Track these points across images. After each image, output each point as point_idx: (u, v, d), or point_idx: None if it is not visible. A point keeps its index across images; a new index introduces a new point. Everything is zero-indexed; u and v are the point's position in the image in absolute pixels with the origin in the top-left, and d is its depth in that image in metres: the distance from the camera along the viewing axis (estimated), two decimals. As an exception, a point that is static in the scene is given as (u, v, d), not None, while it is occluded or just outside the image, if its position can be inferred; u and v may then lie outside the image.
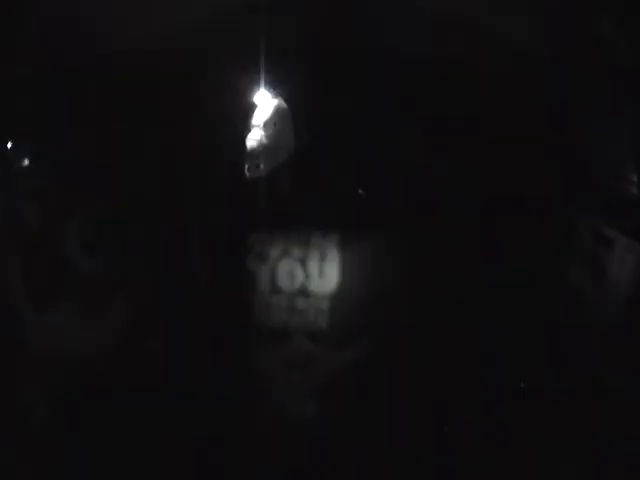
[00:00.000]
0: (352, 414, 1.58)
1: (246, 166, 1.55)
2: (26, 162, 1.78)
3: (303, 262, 1.55)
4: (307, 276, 1.55)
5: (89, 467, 1.68)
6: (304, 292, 1.54)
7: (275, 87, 1.66)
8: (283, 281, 1.56)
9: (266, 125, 1.59)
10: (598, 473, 1.50)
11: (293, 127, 1.61)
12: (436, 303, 1.85)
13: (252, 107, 1.59)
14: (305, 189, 1.55)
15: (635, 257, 1.50)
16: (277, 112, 1.66)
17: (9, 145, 1.73)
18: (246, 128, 1.57)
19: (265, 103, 1.60)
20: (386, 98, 1.83)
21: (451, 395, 1.92)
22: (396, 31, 1.67)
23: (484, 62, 1.71)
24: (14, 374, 1.70)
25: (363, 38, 1.73)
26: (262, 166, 1.55)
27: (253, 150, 1.55)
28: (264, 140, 1.56)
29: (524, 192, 1.89)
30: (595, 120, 1.71)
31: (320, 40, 1.74)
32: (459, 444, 1.82)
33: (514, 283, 1.91)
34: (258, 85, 1.62)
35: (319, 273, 1.55)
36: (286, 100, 1.67)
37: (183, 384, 1.83)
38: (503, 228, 1.90)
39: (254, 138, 1.55)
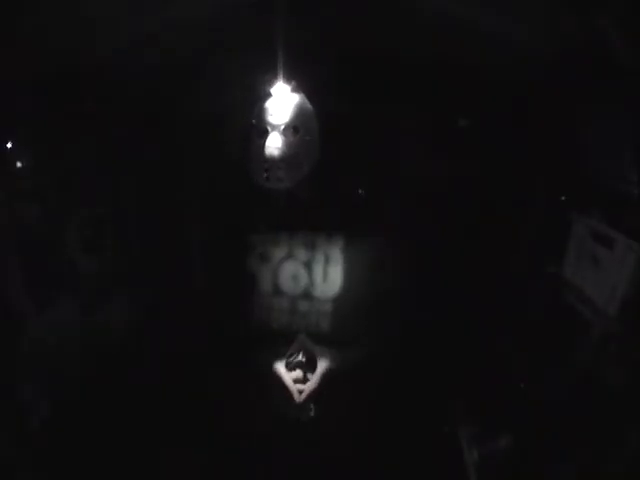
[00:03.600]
0: (353, 414, 1.59)
1: (265, 175, 1.49)
2: (26, 162, 1.77)
3: (307, 265, 1.55)
4: (311, 279, 1.54)
5: (88, 466, 1.68)
6: (307, 295, 1.54)
7: (298, 88, 1.58)
8: (287, 283, 1.55)
9: (286, 130, 1.51)
10: (598, 473, 1.50)
11: (318, 133, 1.53)
12: (437, 304, 1.85)
13: (271, 108, 1.51)
14: (313, 192, 1.53)
15: (635, 257, 1.50)
16: (300, 116, 1.55)
17: (9, 145, 1.72)
18: (264, 131, 1.50)
19: (286, 105, 1.51)
20: (395, 101, 1.82)
21: (451, 395, 1.93)
22: (402, 33, 1.67)
23: (485, 63, 1.71)
24: (14, 373, 1.69)
25: (378, 40, 1.71)
26: (284, 178, 1.48)
27: (273, 158, 1.48)
28: (285, 148, 1.48)
29: (524, 192, 1.89)
30: (595, 121, 1.71)
31: (340, 41, 1.71)
32: (459, 443, 1.82)
33: (514, 282, 1.91)
34: (278, 85, 1.55)
35: (323, 276, 1.54)
36: (311, 102, 1.57)
37: (183, 384, 1.83)
38: (503, 228, 1.90)
39: (274, 145, 1.48)
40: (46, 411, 1.74)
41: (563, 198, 1.81)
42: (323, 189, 1.54)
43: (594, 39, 1.54)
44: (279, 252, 1.55)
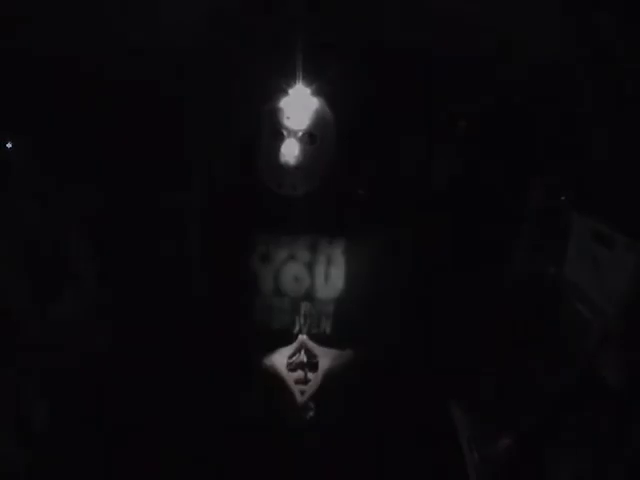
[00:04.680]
0: (354, 414, 1.59)
1: (278, 181, 1.45)
2: (27, 162, 1.76)
3: (309, 266, 1.54)
4: (313, 280, 1.54)
5: (89, 467, 1.68)
6: (309, 296, 1.54)
7: (319, 92, 1.52)
8: (288, 285, 1.54)
9: (304, 137, 1.45)
10: (598, 473, 1.51)
11: (336, 140, 1.48)
12: (438, 304, 1.85)
13: (288, 111, 1.45)
14: (315, 194, 1.52)
15: (635, 257, 1.50)
16: (319, 124, 1.49)
17: (9, 145, 1.72)
18: (278, 134, 1.44)
19: (305, 110, 1.45)
20: (397, 101, 1.82)
21: (451, 395, 1.93)
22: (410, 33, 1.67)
23: (486, 63, 1.71)
24: (15, 372, 1.69)
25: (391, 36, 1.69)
26: (298, 186, 1.44)
27: (288, 166, 1.42)
28: (301, 157, 1.42)
29: (525, 192, 1.89)
30: (595, 121, 1.71)
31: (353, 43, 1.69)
32: (459, 444, 1.83)
33: (514, 282, 1.92)
34: (297, 87, 1.49)
35: (325, 277, 1.54)
36: (330, 108, 1.50)
37: (184, 384, 1.83)
38: (503, 228, 1.90)
39: (291, 154, 1.42)
40: (46, 411, 1.74)
41: (563, 198, 1.82)
42: (326, 190, 1.53)
43: (595, 39, 1.55)
44: (281, 253, 1.54)
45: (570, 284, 1.75)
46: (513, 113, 1.83)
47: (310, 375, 1.47)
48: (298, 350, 1.50)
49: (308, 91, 1.49)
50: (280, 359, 1.47)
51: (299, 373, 1.48)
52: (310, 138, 1.46)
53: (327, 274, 1.54)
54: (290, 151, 1.43)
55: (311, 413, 1.48)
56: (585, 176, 1.72)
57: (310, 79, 1.48)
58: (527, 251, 1.91)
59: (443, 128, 1.89)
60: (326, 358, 1.48)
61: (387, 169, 1.87)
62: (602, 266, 1.62)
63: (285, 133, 1.45)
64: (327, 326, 1.55)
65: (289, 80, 1.48)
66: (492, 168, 1.88)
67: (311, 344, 1.49)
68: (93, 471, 1.69)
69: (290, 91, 1.48)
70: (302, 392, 1.44)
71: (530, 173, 1.87)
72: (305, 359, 1.49)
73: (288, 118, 1.45)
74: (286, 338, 1.51)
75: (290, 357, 1.49)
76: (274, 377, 1.46)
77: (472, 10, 1.56)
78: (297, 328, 1.53)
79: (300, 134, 1.45)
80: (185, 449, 1.73)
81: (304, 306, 1.54)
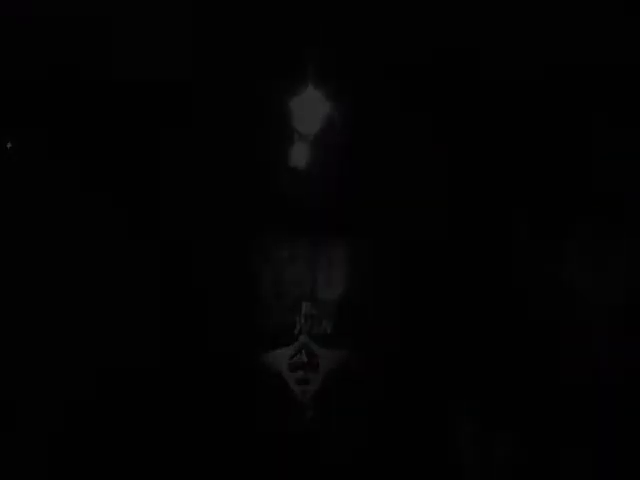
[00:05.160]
0: (354, 414, 1.59)
1: (284, 185, 1.44)
2: (31, 163, 1.76)
3: (311, 268, 1.54)
4: (314, 282, 1.54)
5: (98, 467, 1.68)
6: (310, 297, 1.54)
7: (329, 96, 1.50)
8: (290, 286, 1.54)
9: (314, 141, 1.44)
10: (598, 472, 1.51)
11: (344, 144, 1.47)
12: (439, 304, 1.85)
13: (299, 114, 1.44)
14: (318, 196, 1.52)
15: (635, 257, 1.50)
16: (329, 127, 1.50)
17: (9, 145, 1.71)
18: (288, 136, 1.43)
19: (316, 113, 1.44)
20: (402, 107, 1.82)
21: (452, 395, 1.93)
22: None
23: (490, 64, 1.71)
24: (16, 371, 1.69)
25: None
26: (305, 190, 1.44)
27: (297, 169, 1.41)
28: (310, 159, 1.41)
29: (525, 192, 1.89)
30: (596, 121, 1.72)
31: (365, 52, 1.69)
32: (459, 443, 1.83)
33: (514, 282, 1.92)
34: (308, 91, 1.48)
35: (326, 279, 1.54)
36: (338, 110, 1.50)
37: (186, 383, 1.83)
38: (503, 228, 1.91)
39: (302, 157, 1.41)
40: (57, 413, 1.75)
41: (563, 199, 1.82)
42: (331, 193, 1.54)
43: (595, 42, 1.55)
44: (283, 254, 1.54)
45: (570, 284, 1.76)
46: (515, 113, 1.83)
47: (311, 375, 1.48)
48: (299, 351, 1.50)
49: (319, 95, 1.48)
50: (281, 360, 1.48)
51: (300, 373, 1.49)
52: (319, 141, 1.46)
53: (328, 275, 1.54)
54: (299, 154, 1.44)
55: (312, 412, 1.48)
56: (587, 177, 1.73)
57: (321, 83, 1.48)
58: (528, 251, 1.91)
59: (448, 131, 1.89)
60: (327, 358, 1.49)
61: (393, 171, 1.88)
62: (602, 266, 1.62)
63: (296, 136, 1.45)
64: (328, 326, 1.55)
65: (300, 84, 1.48)
66: (492, 168, 1.88)
67: (312, 345, 1.50)
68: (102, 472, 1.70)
69: (301, 95, 1.48)
70: (303, 392, 1.45)
71: (532, 174, 1.87)
72: (306, 359, 1.50)
73: (298, 121, 1.45)
74: (287, 339, 1.52)
75: (291, 357, 1.49)
76: (275, 377, 1.46)
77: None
78: (298, 329, 1.54)
79: (310, 137, 1.45)
80: (186, 449, 1.73)
81: (305, 307, 1.54)
